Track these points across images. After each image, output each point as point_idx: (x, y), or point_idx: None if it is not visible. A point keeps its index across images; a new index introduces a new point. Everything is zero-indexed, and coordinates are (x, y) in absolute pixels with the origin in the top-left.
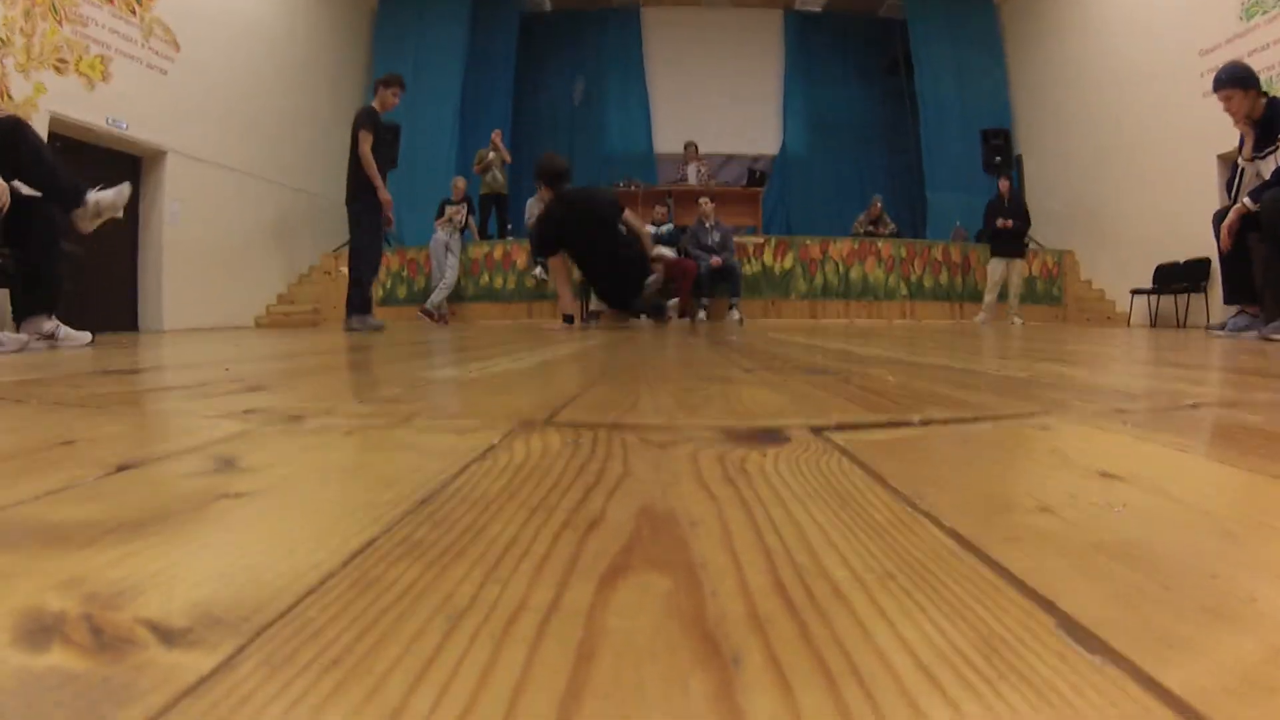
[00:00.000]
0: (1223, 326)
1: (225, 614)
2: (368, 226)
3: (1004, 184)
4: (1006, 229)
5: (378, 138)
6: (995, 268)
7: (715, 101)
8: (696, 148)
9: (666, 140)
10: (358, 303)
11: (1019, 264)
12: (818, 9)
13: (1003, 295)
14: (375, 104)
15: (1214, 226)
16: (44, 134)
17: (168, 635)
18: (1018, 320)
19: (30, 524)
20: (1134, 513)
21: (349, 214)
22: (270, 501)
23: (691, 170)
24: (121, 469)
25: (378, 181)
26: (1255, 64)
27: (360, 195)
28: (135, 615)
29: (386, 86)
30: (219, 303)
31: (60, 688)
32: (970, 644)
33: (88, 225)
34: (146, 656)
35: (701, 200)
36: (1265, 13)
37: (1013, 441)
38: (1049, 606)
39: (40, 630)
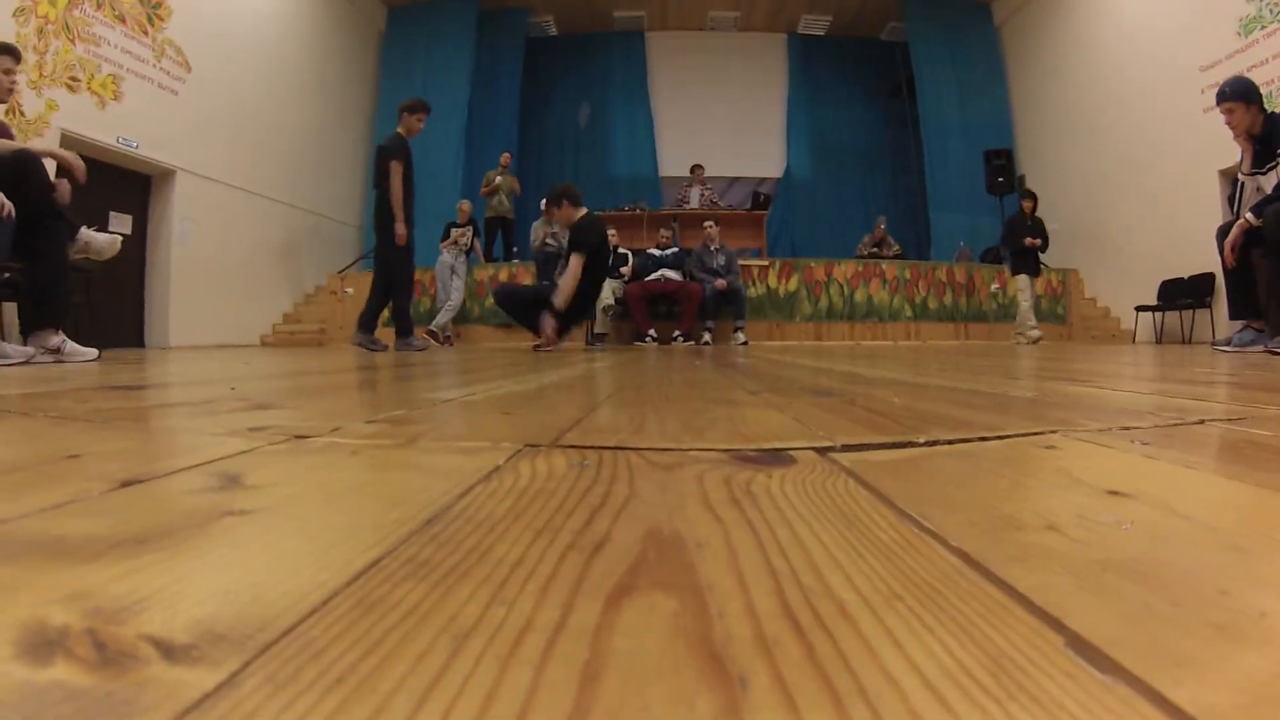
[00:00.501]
0: (1228, 342)
1: (229, 631)
2: (400, 251)
3: (1028, 203)
4: (1034, 247)
5: (408, 167)
6: (1025, 284)
7: (720, 125)
8: (702, 170)
9: (671, 163)
10: (404, 327)
11: (1036, 282)
12: (821, 33)
13: (1012, 314)
14: (401, 130)
15: (1217, 242)
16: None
17: (171, 651)
18: (1021, 340)
19: (34, 537)
20: (1142, 530)
21: (379, 240)
22: (275, 520)
23: (695, 193)
24: (126, 484)
25: (399, 214)
26: (1255, 79)
27: (391, 222)
28: (139, 631)
29: (411, 113)
30: (225, 321)
31: (63, 702)
32: (978, 663)
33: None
34: (150, 672)
35: (706, 224)
36: (1263, 28)
37: (1019, 460)
38: (1057, 625)
39: (43, 644)
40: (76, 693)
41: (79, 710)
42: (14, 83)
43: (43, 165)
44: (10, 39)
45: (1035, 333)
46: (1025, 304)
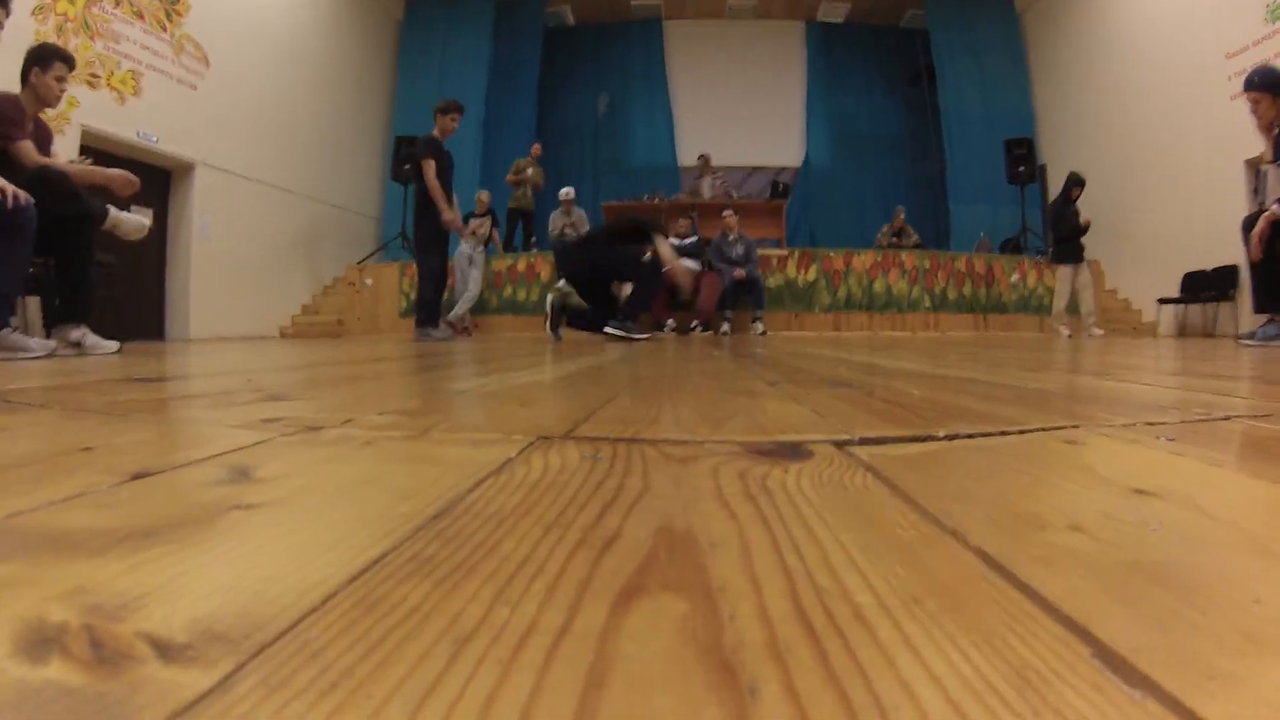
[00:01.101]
0: (1253, 335)
1: (227, 630)
2: (428, 246)
3: (1076, 191)
4: (1086, 226)
5: (440, 164)
6: (1066, 275)
7: (738, 114)
8: (709, 159)
9: (690, 153)
10: (423, 317)
11: (1085, 269)
12: (840, 20)
13: (1032, 305)
14: (436, 132)
15: (1242, 233)
16: (75, 146)
17: (167, 650)
18: (1098, 331)
19: (43, 530)
20: (1170, 531)
21: (415, 235)
22: (282, 513)
23: (705, 184)
24: (137, 477)
25: (441, 204)
26: None
27: (422, 218)
28: (137, 629)
29: (444, 114)
30: (244, 313)
31: (56, 701)
32: (1001, 675)
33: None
34: (144, 672)
35: (725, 213)
36: None
37: (1041, 456)
38: (1083, 633)
39: (41, 641)
40: (70, 691)
41: (70, 710)
42: (64, 89)
43: (65, 176)
44: (30, 37)
45: (1065, 331)
46: (1062, 300)
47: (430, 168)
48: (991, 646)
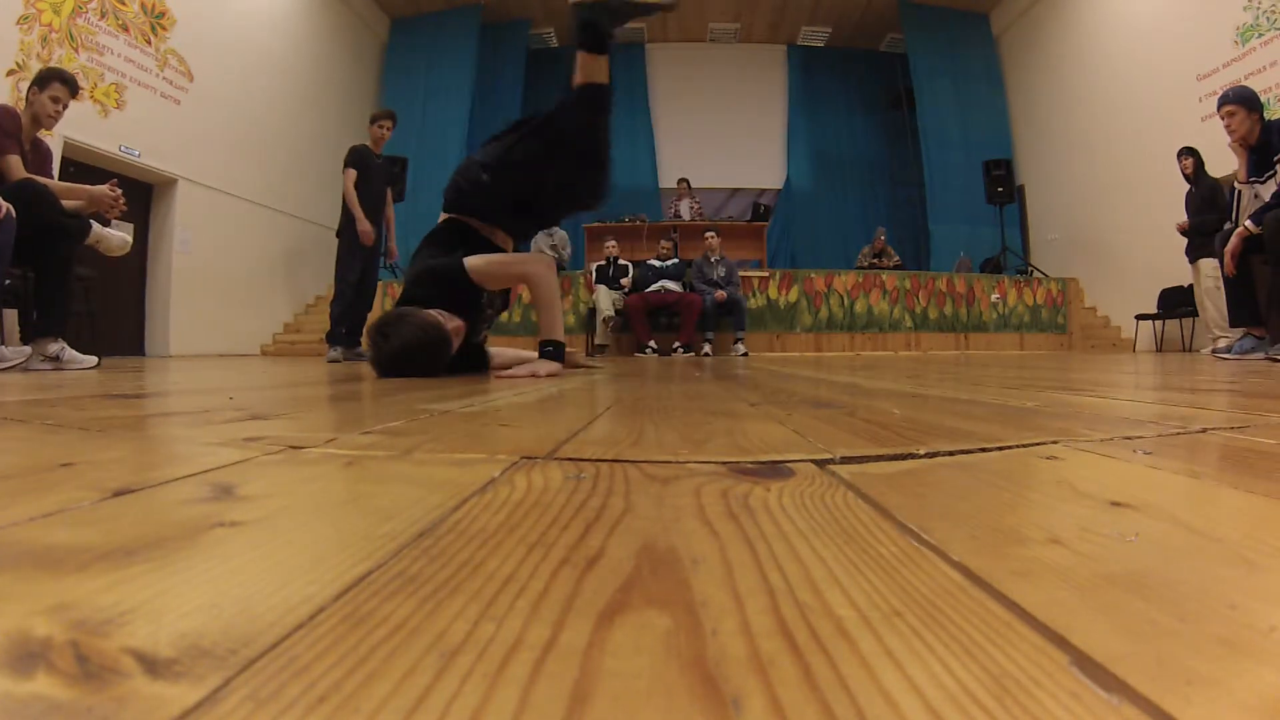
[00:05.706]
0: (1229, 349)
1: (213, 646)
2: (345, 259)
3: (1187, 161)
4: (1181, 230)
5: (366, 174)
6: (1200, 272)
7: (720, 136)
8: (689, 183)
9: (671, 175)
10: (329, 334)
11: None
12: (821, 44)
13: (1013, 324)
14: (368, 142)
15: (1217, 250)
16: (57, 158)
17: (153, 666)
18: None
19: (23, 546)
20: (1147, 543)
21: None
22: (265, 532)
23: (684, 206)
24: (118, 494)
25: (358, 213)
26: (1253, 86)
27: (342, 230)
28: (122, 644)
29: (374, 123)
30: (226, 330)
31: (42, 716)
32: (980, 684)
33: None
34: (131, 687)
35: (707, 235)
36: (1260, 36)
37: (1020, 472)
38: (1061, 642)
39: (26, 656)
40: (57, 706)
41: None
42: (59, 111)
43: (46, 189)
44: (14, 47)
45: (1222, 343)
46: (1208, 301)
47: (349, 177)
48: (971, 657)
